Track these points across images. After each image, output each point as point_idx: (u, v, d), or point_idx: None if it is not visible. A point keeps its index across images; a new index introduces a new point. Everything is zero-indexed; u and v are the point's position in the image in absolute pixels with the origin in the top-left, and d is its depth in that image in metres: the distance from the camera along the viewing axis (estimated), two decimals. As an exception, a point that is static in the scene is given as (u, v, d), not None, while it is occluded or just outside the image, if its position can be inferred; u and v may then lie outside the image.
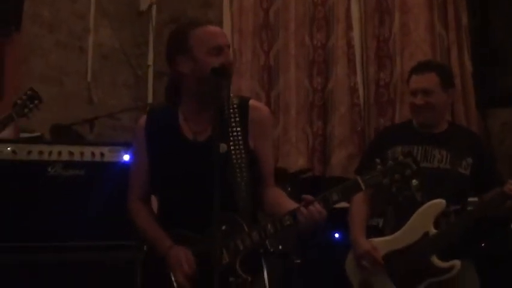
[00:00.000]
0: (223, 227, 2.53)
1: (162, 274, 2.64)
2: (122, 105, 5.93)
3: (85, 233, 3.78)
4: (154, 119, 2.81)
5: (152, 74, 6.28)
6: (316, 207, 2.46)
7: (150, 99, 6.23)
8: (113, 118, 5.36)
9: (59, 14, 5.56)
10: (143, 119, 2.83)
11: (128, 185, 2.88)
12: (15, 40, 5.06)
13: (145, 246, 2.90)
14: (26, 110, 3.35)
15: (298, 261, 4.47)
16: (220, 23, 5.78)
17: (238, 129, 2.67)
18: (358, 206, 3.56)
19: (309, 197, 2.51)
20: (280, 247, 4.20)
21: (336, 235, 4.49)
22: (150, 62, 6.30)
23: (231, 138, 2.63)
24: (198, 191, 2.60)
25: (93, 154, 3.85)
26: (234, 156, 2.61)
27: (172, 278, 2.61)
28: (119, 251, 3.80)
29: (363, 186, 2.50)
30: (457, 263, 3.26)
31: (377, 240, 3.43)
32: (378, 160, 2.54)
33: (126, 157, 3.87)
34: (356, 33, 5.27)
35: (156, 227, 2.73)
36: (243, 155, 2.63)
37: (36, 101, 3.39)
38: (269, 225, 2.54)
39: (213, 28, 2.70)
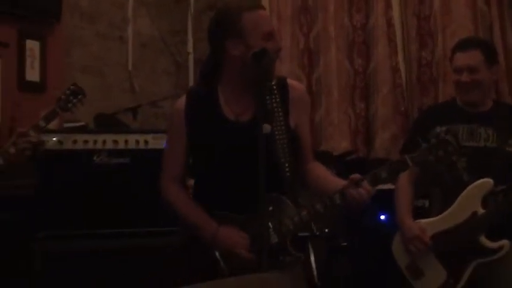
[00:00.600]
0: (270, 208, 2.55)
1: (205, 257, 2.66)
2: (163, 93, 5.95)
3: (131, 220, 3.82)
4: (194, 101, 2.80)
5: (192, 61, 6.29)
6: (365, 186, 2.48)
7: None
8: (155, 106, 5.39)
9: (98, 5, 5.61)
10: (181, 101, 2.81)
11: (162, 167, 2.89)
12: (56, 32, 5.12)
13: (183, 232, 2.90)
14: (69, 105, 3.38)
15: (345, 243, 4.45)
16: (258, 8, 5.76)
17: (280, 109, 2.67)
18: (404, 188, 3.53)
19: (356, 175, 2.52)
20: (326, 230, 4.18)
21: (382, 217, 4.46)
22: (190, 49, 6.29)
23: (274, 118, 2.64)
24: (240, 172, 2.60)
25: (137, 142, 3.89)
26: (277, 137, 2.62)
27: (220, 261, 2.62)
28: (165, 238, 3.83)
29: (409, 163, 2.52)
30: (506, 243, 3.22)
31: (424, 221, 3.40)
32: (420, 140, 2.56)
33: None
34: (396, 12, 5.18)
35: (198, 209, 2.73)
36: (285, 135, 2.64)
37: (79, 96, 3.42)
38: (318, 204, 2.56)
39: (264, 13, 2.70)
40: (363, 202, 2.48)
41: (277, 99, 2.69)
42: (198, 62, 6.25)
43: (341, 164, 4.82)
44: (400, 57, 5.16)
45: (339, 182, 2.60)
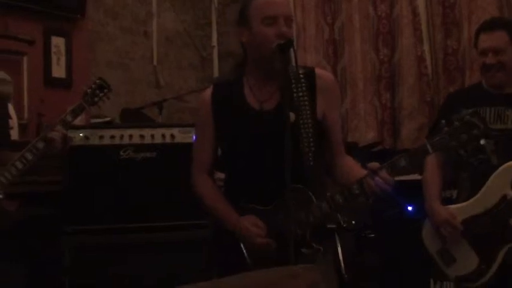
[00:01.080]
0: (291, 198, 2.44)
1: (232, 249, 2.64)
2: (189, 87, 5.98)
3: (159, 214, 3.84)
4: (220, 92, 2.78)
5: (217, 55, 6.29)
6: (383, 175, 2.40)
7: (216, 80, 6.27)
8: (180, 100, 5.39)
9: (122, 0, 5.62)
10: (208, 93, 2.80)
11: (191, 159, 2.88)
12: (81, 28, 5.15)
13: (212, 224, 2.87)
14: (96, 99, 3.39)
15: (372, 235, 4.43)
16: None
17: (306, 98, 2.62)
18: (431, 174, 3.49)
19: (374, 164, 2.45)
20: (353, 222, 4.16)
21: (409, 208, 4.43)
22: (215, 42, 6.30)
23: (299, 107, 2.59)
24: (265, 162, 2.58)
25: (163, 136, 3.91)
26: (302, 126, 2.58)
27: (244, 253, 2.61)
28: (193, 231, 3.85)
29: (430, 150, 2.40)
30: (537, 226, 3.18)
31: (454, 206, 3.35)
32: (443, 121, 2.43)
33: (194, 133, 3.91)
34: (420, 1, 5.14)
35: (223, 201, 2.72)
36: (311, 125, 2.59)
37: (105, 90, 3.42)
38: (337, 195, 2.50)
39: None
40: (381, 191, 2.41)
41: (304, 88, 2.64)
42: (223, 55, 6.26)
43: (367, 156, 4.78)
44: (425, 46, 5.11)
45: (361, 173, 2.52)
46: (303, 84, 2.64)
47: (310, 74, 2.69)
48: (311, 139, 2.57)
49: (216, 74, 6.25)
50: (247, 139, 2.65)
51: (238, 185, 2.71)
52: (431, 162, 3.41)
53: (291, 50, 2.50)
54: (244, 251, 2.62)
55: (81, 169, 3.81)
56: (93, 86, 3.40)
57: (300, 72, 2.67)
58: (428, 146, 2.41)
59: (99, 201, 3.79)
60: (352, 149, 4.68)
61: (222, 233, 2.71)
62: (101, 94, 3.42)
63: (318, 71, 2.73)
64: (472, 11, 4.87)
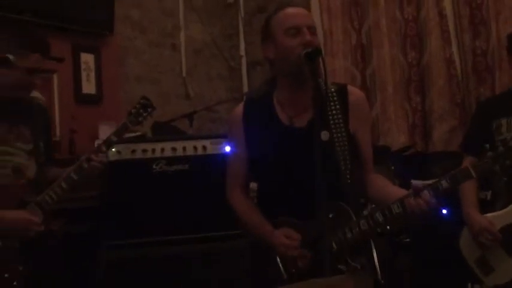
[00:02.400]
0: (330, 215, 2.50)
1: (268, 263, 2.64)
2: (218, 98, 6.00)
3: (193, 225, 3.85)
4: (251, 107, 2.79)
5: (245, 64, 6.31)
6: (425, 197, 2.39)
7: (245, 89, 6.28)
8: (210, 111, 5.42)
9: (148, 14, 5.68)
10: (239, 108, 2.81)
11: (226, 174, 2.90)
12: (109, 44, 5.20)
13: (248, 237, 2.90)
14: (140, 119, 3.40)
15: (407, 239, 4.40)
16: (307, 5, 5.74)
17: (340, 116, 2.61)
18: (468, 182, 3.46)
19: (418, 185, 2.44)
20: (388, 227, 4.15)
21: (444, 211, 4.39)
22: (242, 52, 6.32)
23: (333, 125, 2.58)
24: (297, 178, 2.58)
25: (195, 148, 3.92)
26: (337, 144, 2.57)
27: (280, 267, 2.60)
28: (228, 241, 3.85)
29: (473, 174, 2.44)
30: None
31: (490, 215, 3.33)
32: (487, 146, 2.46)
33: (228, 148, 3.90)
34: (447, 3, 5.10)
35: (257, 214, 2.73)
36: (346, 142, 2.58)
37: (149, 109, 3.43)
38: (377, 214, 2.49)
39: (291, 9, 2.65)
40: (422, 213, 2.40)
41: (337, 106, 2.64)
42: (251, 64, 6.27)
43: (399, 160, 4.77)
44: (454, 48, 5.07)
45: (400, 192, 2.53)
46: (336, 102, 2.63)
47: (342, 90, 2.68)
48: (347, 157, 2.57)
49: (245, 83, 6.27)
50: (278, 156, 2.64)
51: (271, 199, 2.71)
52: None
53: (320, 58, 2.47)
54: (280, 264, 2.61)
55: (114, 184, 3.83)
56: (137, 105, 3.41)
57: (332, 88, 2.67)
58: (472, 170, 2.44)
59: (133, 216, 3.81)
60: (385, 153, 4.66)
61: (258, 247, 2.71)
62: (145, 114, 3.43)
63: (350, 87, 2.73)
64: (499, 11, 4.83)
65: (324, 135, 2.51)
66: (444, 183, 2.43)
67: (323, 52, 2.60)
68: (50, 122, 3.59)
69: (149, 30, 5.66)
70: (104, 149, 3.28)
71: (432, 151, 5.05)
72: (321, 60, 2.47)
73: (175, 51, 5.87)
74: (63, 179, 3.17)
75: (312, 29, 2.59)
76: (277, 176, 2.65)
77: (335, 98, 2.64)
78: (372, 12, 5.40)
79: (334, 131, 2.57)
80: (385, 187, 2.66)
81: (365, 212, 2.56)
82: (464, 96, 5.02)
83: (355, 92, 2.73)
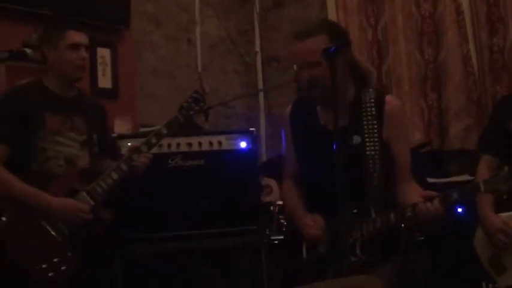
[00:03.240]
0: (354, 211, 2.65)
1: (296, 251, 2.83)
2: (233, 93, 6.00)
3: (208, 221, 3.86)
4: (298, 107, 3.00)
5: (260, 60, 6.31)
6: (435, 205, 2.51)
7: (260, 85, 6.27)
8: (225, 106, 5.41)
9: (164, 8, 5.67)
10: (288, 110, 3.03)
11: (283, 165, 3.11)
12: (125, 38, 5.20)
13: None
14: (191, 112, 3.45)
15: (422, 237, 4.38)
16: (323, 2, 5.75)
17: (375, 122, 2.74)
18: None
19: (430, 193, 2.58)
20: (402, 225, 4.13)
21: (459, 210, 4.37)
22: (258, 48, 6.32)
23: (366, 130, 2.73)
24: (329, 177, 2.62)
25: (211, 143, 3.94)
26: (368, 148, 2.71)
27: (303, 251, 2.79)
28: (242, 237, 3.87)
29: (482, 189, 2.49)
30: None
31: (505, 214, 3.32)
32: (506, 168, 2.47)
33: (243, 144, 3.92)
34: (464, -1, 5.09)
35: (298, 201, 2.93)
36: (377, 147, 2.71)
37: (201, 103, 3.48)
38: (392, 215, 2.62)
39: (292, 49, 2.82)
40: (432, 219, 2.53)
41: (373, 112, 2.76)
42: (266, 60, 6.27)
43: (416, 157, 4.74)
44: (470, 45, 5.04)
45: (418, 199, 2.65)
46: (373, 109, 2.76)
47: (380, 99, 2.81)
48: (377, 161, 2.70)
49: (260, 79, 6.27)
50: (315, 156, 2.82)
51: (310, 196, 2.91)
52: (484, 166, 3.39)
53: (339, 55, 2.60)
54: (304, 249, 2.80)
55: (129, 178, 3.84)
56: (189, 99, 3.47)
57: (372, 96, 2.80)
58: (482, 186, 2.50)
59: (148, 210, 3.82)
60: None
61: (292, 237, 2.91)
62: (196, 107, 3.48)
63: (387, 97, 2.85)
64: (517, 7, 4.80)
65: (356, 139, 2.70)
66: (455, 195, 2.52)
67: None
68: (106, 118, 3.69)
69: (165, 25, 5.66)
70: (153, 141, 3.36)
71: (448, 149, 5.03)
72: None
73: (190, 46, 5.87)
74: (113, 169, 3.28)
75: (310, 65, 2.72)
76: (314, 175, 2.84)
77: (372, 105, 2.77)
78: (387, 8, 5.37)
79: (366, 135, 2.72)
80: (409, 195, 2.74)
81: (382, 213, 2.66)
82: (481, 93, 4.98)
83: (391, 102, 2.84)
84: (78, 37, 3.32)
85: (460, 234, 3.68)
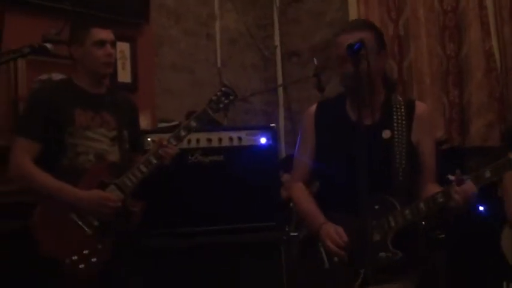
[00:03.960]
0: (376, 207, 2.67)
1: (313, 257, 2.81)
2: (252, 88, 5.98)
3: (227, 216, 3.85)
4: (324, 106, 3.01)
5: (280, 55, 6.28)
6: (469, 186, 2.51)
7: (279, 80, 6.25)
8: (244, 101, 5.40)
9: (184, 2, 5.67)
10: (313, 106, 3.03)
11: (293, 166, 3.08)
12: (145, 33, 5.20)
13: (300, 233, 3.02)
14: (220, 105, 3.45)
15: (442, 235, 4.36)
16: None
17: (404, 122, 2.79)
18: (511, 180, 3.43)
19: (460, 174, 2.56)
20: (423, 223, 4.11)
21: (481, 208, 4.33)
22: (277, 42, 6.29)
23: (396, 127, 2.78)
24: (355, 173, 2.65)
25: (230, 139, 3.92)
26: (396, 144, 2.74)
27: (323, 254, 2.76)
28: (262, 233, 3.86)
29: None
30: None
31: None
32: None
33: (263, 140, 3.90)
34: (488, -6, 5.02)
35: (313, 205, 2.91)
36: (405, 145, 2.75)
37: (231, 97, 3.48)
38: (421, 204, 2.62)
39: (338, 39, 2.82)
40: (467, 201, 2.51)
41: (402, 114, 2.82)
42: (285, 54, 6.24)
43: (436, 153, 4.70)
44: (493, 41, 4.98)
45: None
46: (403, 111, 2.83)
47: (410, 103, 2.89)
48: (403, 158, 2.73)
49: (279, 74, 6.25)
50: (344, 151, 2.78)
51: (330, 191, 2.89)
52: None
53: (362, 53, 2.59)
54: (324, 254, 2.78)
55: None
56: (218, 93, 3.47)
57: (402, 102, 2.87)
58: None
59: (168, 205, 3.82)
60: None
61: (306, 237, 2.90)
62: (226, 101, 3.47)
63: (417, 102, 2.94)
64: (541, 2, 4.73)
65: (385, 134, 2.75)
66: (487, 173, 2.53)
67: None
68: (137, 114, 3.70)
69: (184, 19, 5.65)
70: (183, 134, 3.38)
71: (469, 145, 4.98)
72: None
73: (210, 40, 5.86)
74: (142, 162, 3.31)
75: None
76: (340, 170, 2.80)
77: (402, 107, 2.84)
78: (410, 2, 5.32)
79: (396, 132, 2.77)
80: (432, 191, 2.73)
81: (412, 204, 2.67)
82: (503, 90, 4.92)
83: (422, 106, 2.92)
84: (103, 34, 3.35)
85: (481, 232, 3.64)
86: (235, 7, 6.10)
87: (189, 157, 3.88)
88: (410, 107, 2.85)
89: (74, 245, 3.14)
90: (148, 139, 3.85)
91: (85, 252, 3.14)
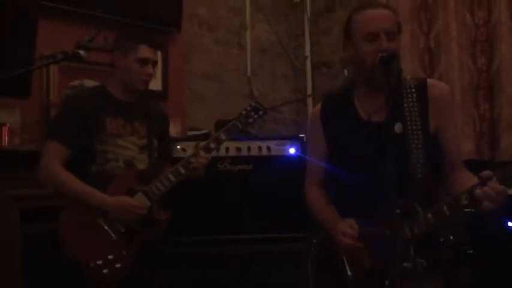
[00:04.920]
0: (397, 211, 2.34)
1: (335, 266, 2.63)
2: (282, 98, 6.00)
3: (255, 226, 3.86)
4: (330, 104, 2.83)
5: (310, 65, 6.28)
6: (493, 185, 2.20)
7: (309, 91, 6.24)
8: (274, 111, 5.41)
9: (216, 12, 5.71)
10: (318, 107, 2.86)
11: (306, 170, 2.94)
12: (176, 41, 5.24)
13: (315, 239, 2.88)
14: (250, 120, 3.50)
15: (471, 251, 4.32)
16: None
17: (416, 110, 2.56)
18: None
19: (487, 173, 2.25)
20: (451, 237, 4.07)
21: (510, 224, 4.29)
22: (308, 53, 6.28)
23: (408, 119, 2.54)
24: (373, 173, 2.47)
25: (259, 148, 3.94)
26: (410, 137, 2.52)
27: (346, 266, 2.59)
28: (290, 243, 3.86)
29: None
30: None
31: None
32: None
33: (292, 150, 3.91)
34: (520, 7, 4.99)
35: (328, 208, 2.77)
36: (421, 136, 2.52)
37: (260, 112, 3.52)
38: (445, 207, 2.34)
39: (371, 12, 2.61)
40: (494, 202, 2.20)
41: (414, 99, 2.59)
42: (316, 65, 6.24)
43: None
44: (525, 55, 4.94)
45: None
46: (414, 95, 2.59)
47: (421, 84, 2.64)
48: (420, 150, 2.50)
49: (309, 84, 6.24)
50: (356, 151, 2.65)
51: (346, 195, 2.70)
52: None
53: (394, 63, 2.42)
54: (346, 262, 2.60)
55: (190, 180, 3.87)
56: (248, 108, 3.52)
57: (412, 83, 2.63)
58: None
59: (196, 213, 3.84)
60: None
61: (325, 245, 2.73)
62: (255, 116, 3.52)
63: (429, 80, 2.68)
64: None
65: (398, 128, 2.42)
66: None
67: (399, 56, 2.50)
68: (168, 124, 3.74)
69: (216, 29, 5.69)
70: (212, 146, 3.42)
71: (499, 161, 4.94)
72: (395, 64, 2.41)
73: (241, 49, 5.89)
74: (170, 171, 3.35)
75: (390, 35, 2.56)
76: (353, 170, 2.62)
77: (413, 93, 2.60)
78: (441, 15, 5.30)
79: (409, 123, 2.53)
80: (465, 183, 2.41)
81: (433, 207, 2.40)
82: (535, 105, 4.89)
83: (435, 84, 2.68)
84: (149, 53, 3.41)
85: (509, 249, 3.60)
86: (266, 17, 6.12)
87: (218, 165, 3.90)
88: (422, 89, 2.61)
89: (99, 249, 3.18)
90: (178, 147, 3.88)
91: (110, 257, 3.18)
